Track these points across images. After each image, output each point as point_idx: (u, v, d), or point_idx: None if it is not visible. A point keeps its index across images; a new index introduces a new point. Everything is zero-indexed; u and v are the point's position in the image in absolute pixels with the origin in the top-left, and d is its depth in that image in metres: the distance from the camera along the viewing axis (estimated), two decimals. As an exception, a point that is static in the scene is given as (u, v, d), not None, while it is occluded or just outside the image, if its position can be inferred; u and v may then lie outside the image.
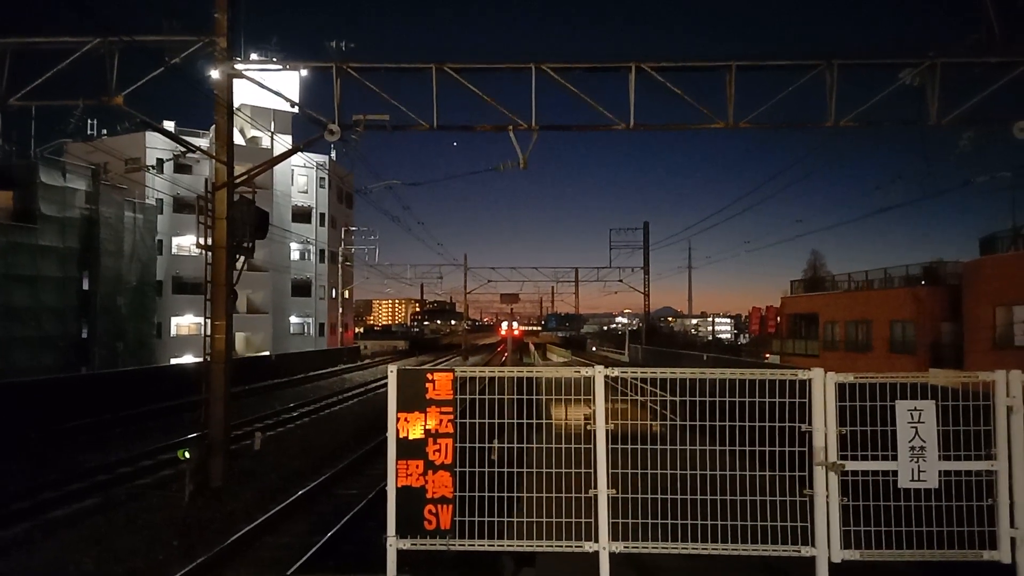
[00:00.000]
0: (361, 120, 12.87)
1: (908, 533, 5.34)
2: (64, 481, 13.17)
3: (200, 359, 13.52)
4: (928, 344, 30.28)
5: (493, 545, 5.56)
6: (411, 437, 5.52)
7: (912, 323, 31.35)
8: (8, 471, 13.97)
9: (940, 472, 5.41)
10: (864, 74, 13.18)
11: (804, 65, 12.68)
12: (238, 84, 13.58)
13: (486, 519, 5.53)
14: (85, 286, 33.26)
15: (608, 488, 5.47)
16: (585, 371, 5.72)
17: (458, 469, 5.53)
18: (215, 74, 13.13)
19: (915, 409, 5.46)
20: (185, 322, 47.08)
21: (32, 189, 30.33)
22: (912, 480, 5.42)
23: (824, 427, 5.46)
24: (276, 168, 43.96)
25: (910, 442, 5.44)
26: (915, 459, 5.43)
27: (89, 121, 42.46)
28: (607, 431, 5.52)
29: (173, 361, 40.41)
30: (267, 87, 13.82)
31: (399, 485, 5.51)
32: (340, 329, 57.75)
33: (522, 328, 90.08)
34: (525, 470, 6.01)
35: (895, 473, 5.42)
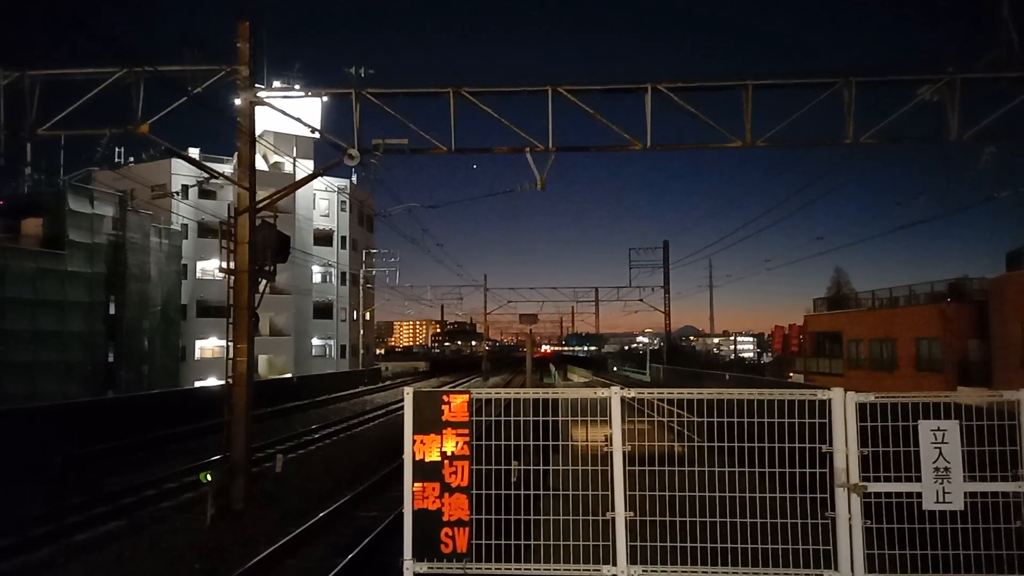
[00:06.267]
0: (380, 144, 13.03)
1: (934, 556, 5.24)
2: (88, 504, 13.28)
3: (224, 382, 13.64)
4: (955, 362, 29.77)
5: (510, 568, 5.53)
6: (427, 459, 5.52)
7: (938, 340, 30.85)
8: (34, 495, 14.13)
9: (966, 494, 5.31)
10: (882, 91, 13.13)
11: (821, 83, 12.68)
12: (261, 111, 13.83)
13: (503, 542, 5.51)
14: (111, 311, 33.78)
15: (626, 511, 5.43)
16: (602, 392, 5.70)
17: (475, 491, 5.52)
18: (238, 102, 13.39)
19: (939, 429, 5.37)
20: (209, 345, 47.61)
21: (61, 216, 31.01)
22: (937, 502, 5.32)
23: (845, 448, 5.39)
24: (298, 192, 44.51)
25: (934, 463, 5.35)
26: (940, 480, 5.33)
27: (116, 149, 43.36)
28: (624, 452, 5.49)
29: (197, 384, 40.78)
30: (289, 114, 14.06)
31: (415, 508, 5.52)
32: (362, 351, 58.01)
33: (548, 348, 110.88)
34: (543, 492, 5.98)
35: (919, 495, 5.33)
